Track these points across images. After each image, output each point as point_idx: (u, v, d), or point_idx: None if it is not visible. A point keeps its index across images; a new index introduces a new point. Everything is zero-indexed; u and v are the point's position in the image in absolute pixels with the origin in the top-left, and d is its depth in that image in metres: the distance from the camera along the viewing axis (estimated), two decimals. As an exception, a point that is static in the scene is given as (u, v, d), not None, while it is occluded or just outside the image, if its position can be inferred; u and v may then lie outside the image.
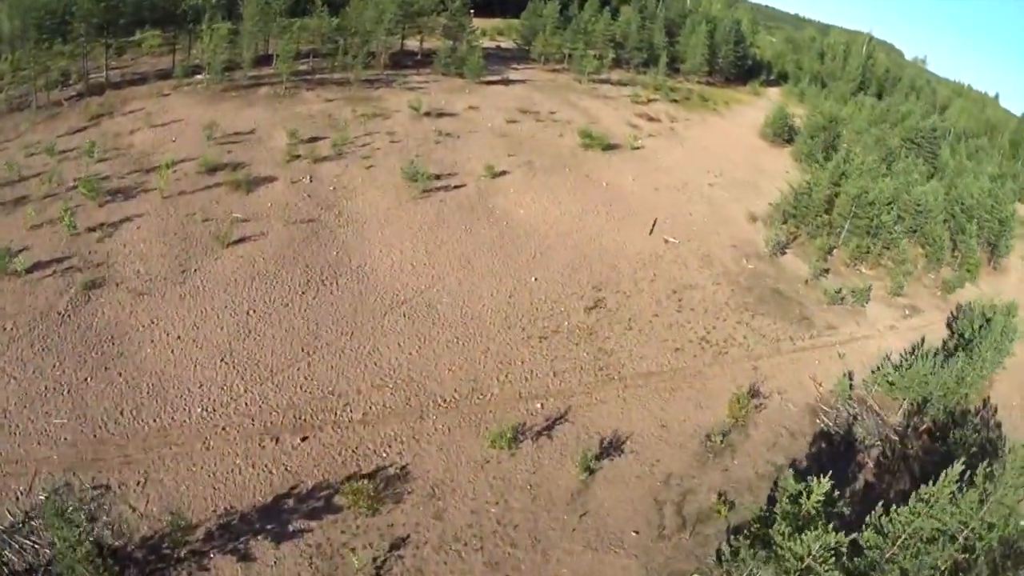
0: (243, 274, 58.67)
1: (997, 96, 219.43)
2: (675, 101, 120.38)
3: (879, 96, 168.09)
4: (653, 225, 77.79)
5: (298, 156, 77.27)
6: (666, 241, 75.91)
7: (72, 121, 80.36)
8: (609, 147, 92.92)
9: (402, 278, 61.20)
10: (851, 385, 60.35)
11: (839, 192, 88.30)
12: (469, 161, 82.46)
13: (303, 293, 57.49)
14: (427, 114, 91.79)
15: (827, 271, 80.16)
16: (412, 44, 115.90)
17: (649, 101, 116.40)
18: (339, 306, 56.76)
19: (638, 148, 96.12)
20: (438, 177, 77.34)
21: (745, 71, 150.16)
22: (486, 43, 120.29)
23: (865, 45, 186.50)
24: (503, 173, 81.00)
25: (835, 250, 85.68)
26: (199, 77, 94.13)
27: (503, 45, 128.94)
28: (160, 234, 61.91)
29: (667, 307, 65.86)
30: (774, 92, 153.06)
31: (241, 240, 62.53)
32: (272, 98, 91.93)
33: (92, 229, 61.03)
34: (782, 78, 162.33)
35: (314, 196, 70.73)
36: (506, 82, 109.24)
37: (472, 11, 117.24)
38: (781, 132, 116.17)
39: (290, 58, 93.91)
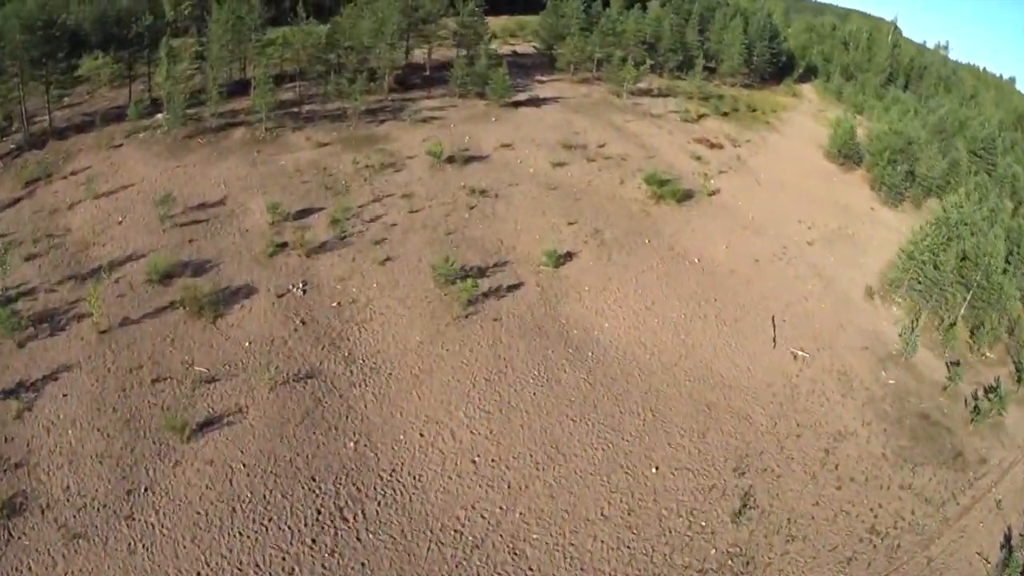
0: (216, 499, 34.94)
1: (1013, 80, 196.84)
2: (725, 115, 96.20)
3: (906, 87, 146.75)
4: (774, 330, 54.91)
5: (284, 245, 52.77)
6: (794, 356, 53.28)
7: (5, 189, 56.55)
8: (683, 196, 68.86)
9: (463, 493, 37.45)
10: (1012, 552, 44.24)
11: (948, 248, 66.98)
12: (519, 236, 58.19)
13: (313, 542, 33.81)
14: (450, 160, 66.77)
15: (958, 364, 59.30)
16: (417, 54, 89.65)
17: (700, 117, 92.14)
18: (376, 569, 33.12)
19: (714, 193, 72.27)
20: (483, 272, 53.16)
21: (779, 68, 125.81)
22: (500, 48, 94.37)
23: (891, 33, 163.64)
24: (568, 256, 56.92)
25: (954, 326, 64.70)
26: (159, 117, 68.39)
27: (519, 50, 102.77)
28: (95, 412, 38.57)
29: (825, 485, 43.71)
30: (807, 89, 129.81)
31: (209, 425, 38.58)
32: (249, 144, 66.41)
33: (8, 392, 38.66)
34: (811, 72, 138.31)
35: (311, 322, 46.48)
36: (536, 102, 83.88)
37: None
38: (851, 154, 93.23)
39: (270, 89, 67.98)
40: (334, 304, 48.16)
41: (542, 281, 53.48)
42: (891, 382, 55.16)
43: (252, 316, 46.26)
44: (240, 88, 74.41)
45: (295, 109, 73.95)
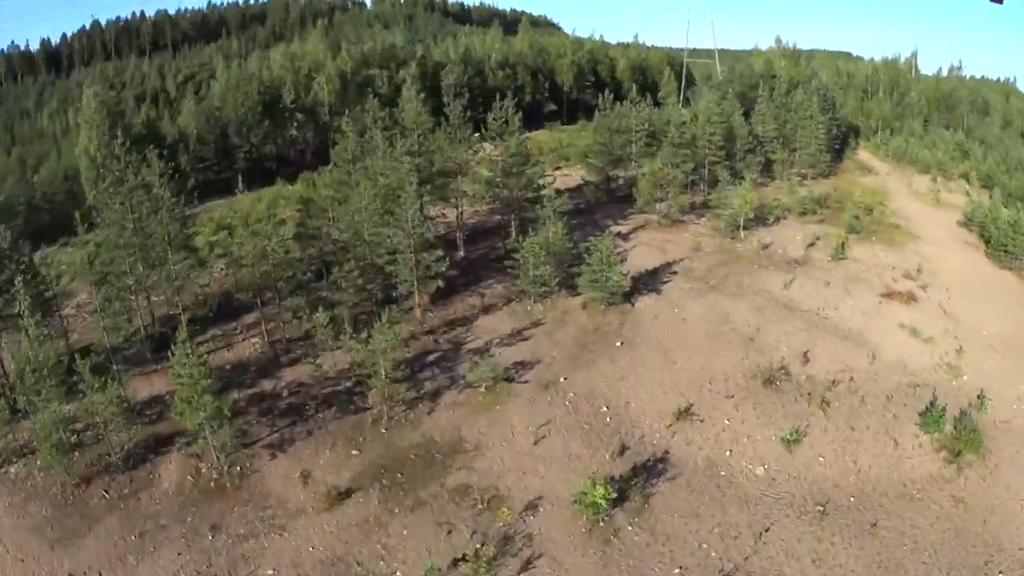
0: None
1: (1014, 80, 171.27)
2: (857, 232, 64.79)
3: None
4: None
5: None
6: None
7: None
8: (978, 438, 35.78)
9: None
10: None
11: None
12: None
13: None
14: (617, 497, 31.13)
15: None
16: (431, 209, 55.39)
17: (842, 247, 60.21)
18: None
19: (982, 404, 39.46)
20: None
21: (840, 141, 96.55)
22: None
23: (913, 69, 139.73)
24: None
25: None
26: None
27: (558, 184, 68.32)
28: None
29: None
30: (866, 157, 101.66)
31: None
32: (193, 504, 31.13)
33: None
34: (852, 131, 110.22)
35: None
36: (647, 283, 49.46)
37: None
38: (1014, 249, 63.20)
39: (210, 387, 32.44)
40: None
41: None
42: None
43: None
44: (167, 342, 38.65)
45: (267, 387, 38.41)
